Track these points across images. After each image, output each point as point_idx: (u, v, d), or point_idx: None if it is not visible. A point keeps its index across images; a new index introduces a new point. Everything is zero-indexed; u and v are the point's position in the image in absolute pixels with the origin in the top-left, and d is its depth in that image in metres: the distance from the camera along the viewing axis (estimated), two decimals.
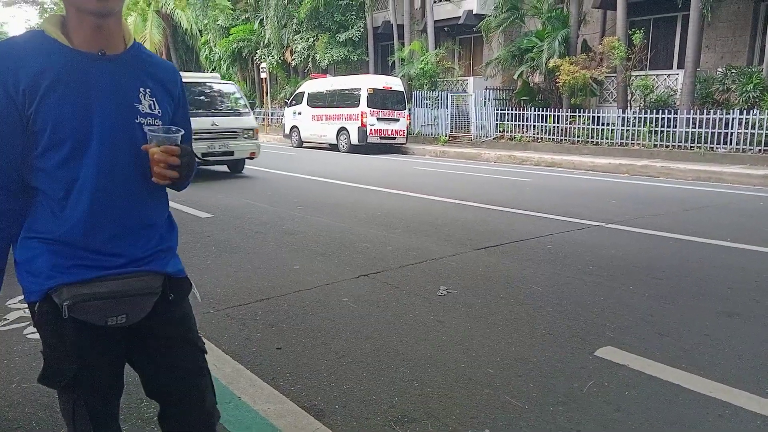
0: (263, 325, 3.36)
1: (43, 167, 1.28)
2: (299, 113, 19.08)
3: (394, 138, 17.05)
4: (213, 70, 33.19)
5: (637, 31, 14.12)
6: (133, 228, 1.36)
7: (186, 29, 30.81)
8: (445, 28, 21.34)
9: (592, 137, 14.80)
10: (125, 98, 1.33)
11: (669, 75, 15.42)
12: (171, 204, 1.52)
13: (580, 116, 15.08)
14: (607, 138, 14.50)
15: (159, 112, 1.38)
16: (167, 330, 1.43)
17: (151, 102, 1.36)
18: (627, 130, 14.07)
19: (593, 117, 14.79)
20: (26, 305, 1.42)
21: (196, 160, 1.47)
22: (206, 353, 1.52)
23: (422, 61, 19.04)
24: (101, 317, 1.31)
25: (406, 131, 17.38)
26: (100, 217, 1.30)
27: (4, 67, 1.23)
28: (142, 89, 1.35)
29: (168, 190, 1.49)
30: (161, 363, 1.43)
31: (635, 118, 13.99)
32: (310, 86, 19.30)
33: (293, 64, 25.87)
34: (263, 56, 26.57)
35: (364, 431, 2.26)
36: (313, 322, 3.43)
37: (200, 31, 31.12)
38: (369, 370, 2.79)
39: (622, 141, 14.21)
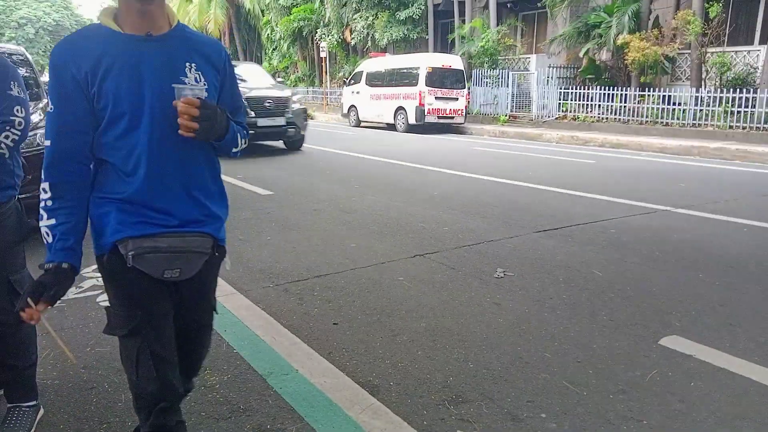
0: (320, 301, 3.42)
1: (107, 140, 1.45)
2: (357, 92, 19.10)
3: (453, 117, 16.80)
4: (274, 50, 33.71)
5: (715, 4, 13.24)
6: (187, 192, 1.50)
7: (249, 9, 31.32)
8: (508, 4, 20.70)
9: (662, 117, 14.08)
10: (172, 73, 1.45)
11: (749, 51, 14.42)
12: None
13: (649, 95, 14.36)
14: (678, 118, 13.76)
15: (205, 84, 1.50)
16: (199, 287, 1.62)
17: (197, 75, 1.48)
18: (700, 110, 13.30)
19: (664, 96, 14.04)
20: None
21: (249, 131, 1.64)
22: (216, 312, 1.75)
23: (483, 38, 18.58)
24: (159, 270, 1.46)
25: (464, 111, 17.09)
26: (157, 180, 1.45)
27: (66, 59, 1.41)
28: (187, 64, 1.48)
29: (225, 161, 1.62)
30: (182, 309, 1.61)
31: (710, 97, 13.18)
32: (369, 65, 19.25)
33: (352, 43, 25.86)
34: (323, 35, 26.69)
35: (419, 409, 2.27)
36: (368, 299, 3.46)
37: (262, 11, 31.56)
38: (423, 349, 2.80)
39: (694, 122, 13.45)
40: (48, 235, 1.44)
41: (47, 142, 1.45)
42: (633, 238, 4.93)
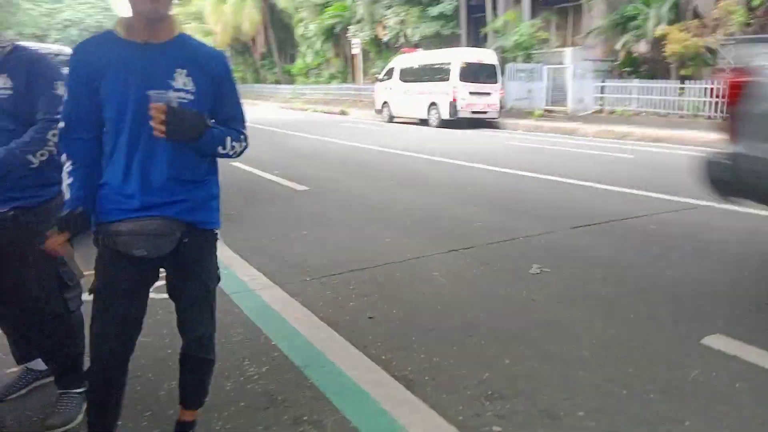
0: (356, 295, 3.45)
1: (104, 134, 1.68)
2: (390, 88, 19.08)
3: (486, 112, 16.64)
4: (307, 47, 33.93)
5: None
6: (159, 180, 1.66)
7: (282, 8, 31.59)
8: None
9: (704, 110, 13.67)
10: (158, 78, 1.62)
11: None
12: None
13: (690, 88, 13.94)
14: (721, 111, 13.32)
15: (193, 89, 1.66)
16: (186, 264, 1.78)
17: (186, 81, 1.65)
18: None
19: (705, 89, 13.62)
20: None
21: (247, 137, 1.83)
22: (211, 290, 1.86)
23: (517, 32, 18.34)
24: (127, 249, 1.66)
25: (498, 105, 16.91)
26: (131, 171, 1.64)
27: (80, 58, 1.66)
28: (178, 70, 1.65)
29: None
30: (176, 284, 1.82)
31: None
32: (401, 61, 19.21)
33: (385, 39, 25.85)
34: (356, 32, 26.75)
35: (454, 404, 2.27)
36: (403, 294, 3.47)
37: (296, 8, 31.79)
38: (459, 344, 2.79)
39: None
40: (67, 192, 1.72)
41: (61, 123, 1.71)
42: (674, 234, 4.81)
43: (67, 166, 1.71)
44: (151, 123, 1.56)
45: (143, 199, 1.65)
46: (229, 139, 1.73)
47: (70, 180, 1.70)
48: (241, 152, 1.81)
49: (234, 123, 1.79)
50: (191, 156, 1.71)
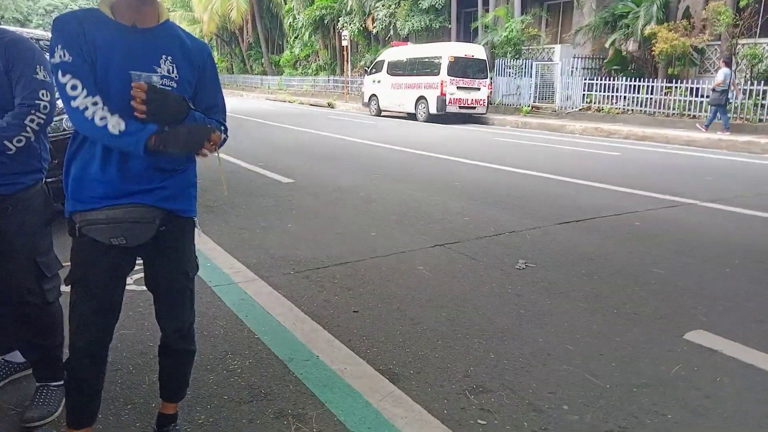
0: (341, 288, 3.43)
1: None
2: (378, 81, 19.02)
3: (474, 108, 16.66)
4: (296, 38, 33.71)
5: None
6: (137, 168, 1.62)
7: None
8: None
9: (689, 110, 13.81)
10: (145, 62, 1.59)
11: None
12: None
13: (676, 87, 14.07)
14: (706, 111, 13.46)
15: (176, 76, 1.63)
16: (165, 253, 1.76)
17: (171, 67, 1.63)
18: (729, 103, 12.99)
19: (692, 88, 13.75)
20: None
21: (227, 128, 1.80)
22: (191, 278, 1.84)
23: (507, 28, 18.36)
24: (105, 237, 1.62)
25: (486, 101, 16.93)
26: (110, 157, 1.60)
27: (73, 26, 1.55)
28: (164, 56, 1.62)
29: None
30: (155, 274, 1.80)
31: (740, 89, 12.86)
32: (390, 54, 19.16)
33: (374, 31, 25.76)
34: (345, 24, 26.61)
35: (439, 398, 2.26)
36: (388, 288, 3.46)
37: None
38: (444, 339, 2.79)
39: None
40: (134, 134, 1.58)
41: (47, 109, 1.74)
42: (658, 231, 4.85)
43: (127, 123, 1.55)
44: (132, 103, 1.51)
45: (121, 186, 1.61)
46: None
47: (123, 126, 1.53)
48: (222, 143, 1.78)
49: (215, 113, 1.77)
50: None
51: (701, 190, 6.68)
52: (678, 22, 14.28)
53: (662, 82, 14.50)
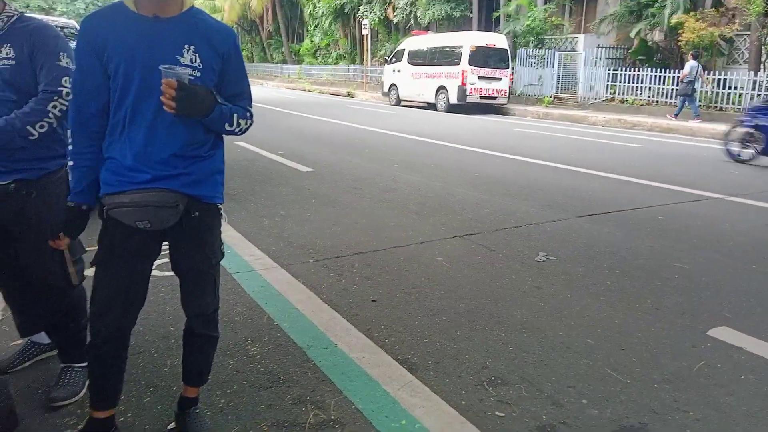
0: (359, 278, 3.43)
1: (111, 108, 1.66)
2: (398, 71, 18.92)
3: (495, 98, 16.50)
4: (316, 26, 33.66)
5: None
6: (162, 156, 1.65)
7: None
8: None
9: (716, 102, 13.50)
10: (167, 52, 1.61)
11: None
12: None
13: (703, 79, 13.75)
14: (733, 103, 13.17)
15: (199, 65, 1.65)
16: (189, 238, 1.77)
17: (194, 56, 1.64)
18: (758, 95, 12.68)
19: (719, 80, 13.44)
20: None
21: (252, 114, 1.81)
22: (214, 264, 1.85)
23: (529, 17, 18.11)
24: (131, 220, 1.65)
25: (508, 91, 16.75)
26: (136, 143, 1.64)
27: (88, 29, 1.63)
28: (186, 46, 1.63)
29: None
30: (179, 259, 1.82)
31: None
32: (411, 43, 19.03)
33: (395, 20, 25.59)
34: (365, 13, 26.47)
35: (457, 389, 2.26)
36: (407, 278, 3.46)
37: None
38: (462, 330, 2.78)
39: None
40: (69, 174, 1.72)
41: (70, 96, 1.72)
42: (682, 225, 4.77)
43: (70, 146, 1.70)
44: (162, 99, 1.55)
45: (146, 171, 1.64)
46: (236, 116, 1.72)
47: (71, 163, 1.70)
48: (246, 129, 1.79)
49: (240, 100, 1.78)
50: (196, 132, 1.70)
51: (727, 184, 6.54)
52: (706, 11, 13.93)
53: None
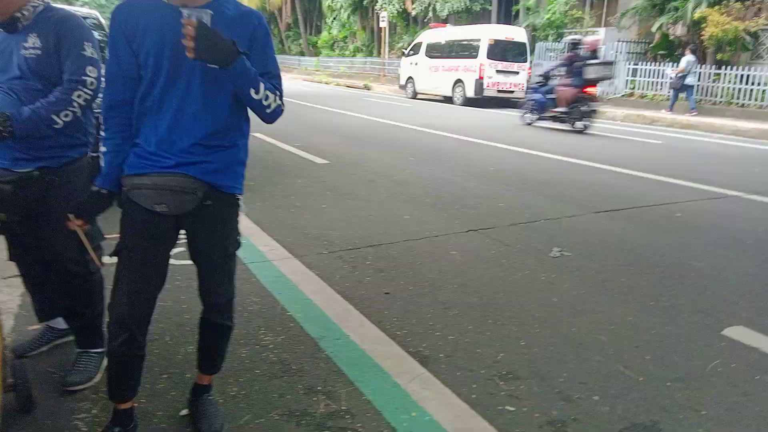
0: (373, 270, 3.45)
1: (140, 94, 1.68)
2: (416, 64, 18.85)
3: (513, 92, 16.36)
4: (334, 18, 33.61)
5: None
6: (185, 142, 1.66)
7: None
8: None
9: (739, 98, 13.26)
10: None
11: None
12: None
13: (726, 74, 13.52)
14: (756, 100, 12.94)
15: None
16: (206, 227, 1.78)
17: None
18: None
19: (742, 75, 13.20)
20: None
21: (282, 95, 1.75)
22: (231, 254, 1.86)
23: (550, 10, 17.91)
24: (149, 203, 1.67)
25: (525, 85, 16.60)
26: (160, 130, 1.66)
27: (120, 17, 1.65)
28: None
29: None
30: (196, 247, 1.83)
31: None
32: (429, 36, 18.93)
33: (413, 13, 25.46)
34: (384, 5, 26.37)
35: (468, 382, 2.26)
36: (420, 271, 3.46)
37: None
38: (475, 324, 2.78)
39: None
40: (101, 160, 1.74)
41: (94, 85, 1.79)
42: (699, 223, 4.70)
43: (102, 132, 1.73)
44: (182, 41, 1.51)
45: (170, 158, 1.66)
46: (263, 85, 1.65)
47: (104, 149, 1.73)
48: (277, 110, 1.72)
49: (269, 78, 1.71)
50: (220, 121, 1.68)
51: (747, 181, 6.44)
52: (731, 4, 13.66)
53: (711, 68, 13.96)
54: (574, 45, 11.13)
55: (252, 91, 1.64)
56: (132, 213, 1.71)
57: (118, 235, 1.73)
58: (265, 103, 1.67)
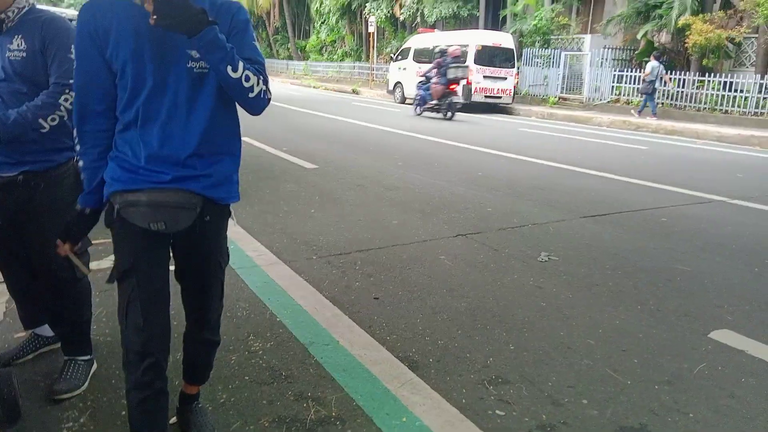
0: (362, 275, 3.44)
1: (119, 102, 1.55)
2: (404, 69, 18.88)
3: (500, 97, 16.46)
4: (322, 23, 33.64)
5: None
6: (180, 155, 1.54)
7: None
8: None
9: (722, 104, 13.46)
10: (176, 45, 1.49)
11: None
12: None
13: (709, 81, 13.72)
14: (739, 106, 13.13)
15: None
16: (198, 241, 1.68)
17: None
18: (764, 99, 12.64)
19: (725, 82, 13.40)
20: None
21: (266, 77, 1.59)
22: (223, 269, 1.80)
23: (536, 16, 18.07)
24: (144, 221, 1.54)
25: (513, 91, 16.73)
26: (150, 145, 1.52)
27: (88, 17, 1.49)
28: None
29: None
30: (187, 264, 1.74)
31: None
32: (417, 41, 18.99)
33: (401, 18, 25.56)
34: (372, 10, 26.46)
35: (457, 387, 2.27)
36: (409, 276, 3.46)
37: None
38: (464, 328, 2.79)
39: (756, 110, 12.82)
40: (80, 174, 1.63)
41: (73, 92, 1.60)
42: (685, 227, 4.76)
43: (77, 146, 1.60)
44: (145, 6, 1.39)
45: (165, 172, 1.53)
46: (242, 64, 1.48)
47: (81, 163, 1.62)
48: (260, 95, 1.55)
49: (251, 64, 1.55)
50: (213, 125, 1.57)
51: (731, 187, 6.53)
52: (714, 13, 13.88)
53: (695, 75, 14.16)
54: (442, 53, 14.02)
55: (229, 69, 1.46)
56: (127, 234, 1.58)
57: (105, 241, 1.70)
58: (246, 84, 1.50)
